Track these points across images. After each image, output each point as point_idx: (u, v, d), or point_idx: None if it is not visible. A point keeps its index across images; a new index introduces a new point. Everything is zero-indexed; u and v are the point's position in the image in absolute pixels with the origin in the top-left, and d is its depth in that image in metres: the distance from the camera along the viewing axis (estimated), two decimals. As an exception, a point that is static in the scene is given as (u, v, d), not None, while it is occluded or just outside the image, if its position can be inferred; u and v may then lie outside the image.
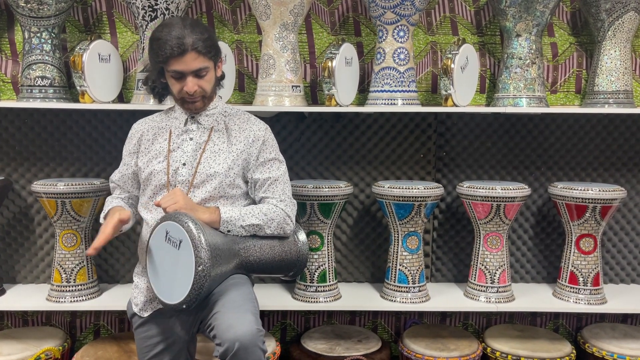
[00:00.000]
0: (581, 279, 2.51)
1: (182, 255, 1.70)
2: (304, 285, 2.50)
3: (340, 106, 2.38)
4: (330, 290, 2.51)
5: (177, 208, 1.77)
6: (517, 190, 2.42)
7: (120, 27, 2.63)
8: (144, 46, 2.38)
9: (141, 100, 2.40)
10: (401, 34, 2.41)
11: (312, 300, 2.48)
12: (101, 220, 1.98)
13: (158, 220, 1.80)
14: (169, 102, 2.06)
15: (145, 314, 1.96)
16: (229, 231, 1.85)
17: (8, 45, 2.60)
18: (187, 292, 1.67)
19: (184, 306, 1.70)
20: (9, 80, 2.61)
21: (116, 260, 2.73)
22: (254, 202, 2.01)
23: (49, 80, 2.40)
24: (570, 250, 2.54)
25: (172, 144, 1.96)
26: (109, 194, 2.11)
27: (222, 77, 2.05)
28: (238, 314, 1.71)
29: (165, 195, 1.84)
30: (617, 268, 2.84)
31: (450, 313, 2.85)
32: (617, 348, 2.51)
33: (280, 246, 1.93)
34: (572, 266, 2.53)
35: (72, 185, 2.35)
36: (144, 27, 2.37)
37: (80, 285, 2.45)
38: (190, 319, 1.92)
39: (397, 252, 2.49)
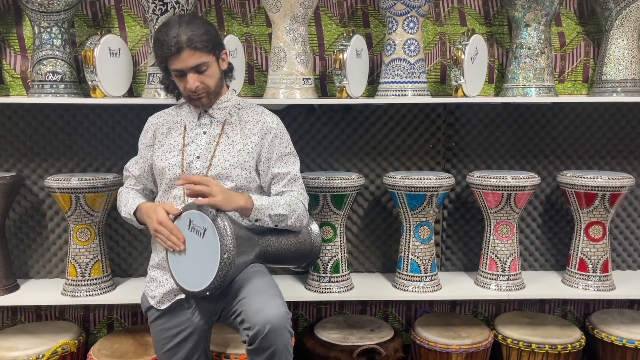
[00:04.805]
0: (590, 266, 2.54)
1: (206, 243, 1.72)
2: (317, 276, 2.52)
3: (351, 98, 2.39)
4: (344, 280, 2.53)
5: (215, 203, 1.73)
6: (527, 179, 2.44)
7: (128, 21, 2.62)
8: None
9: (152, 94, 2.41)
10: (411, 25, 2.41)
11: (326, 290, 2.51)
12: (126, 215, 1.97)
13: (180, 209, 1.82)
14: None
15: (163, 306, 1.96)
16: (257, 220, 1.86)
17: (17, 41, 2.60)
18: (211, 280, 1.69)
19: (207, 293, 1.72)
20: (18, 76, 2.60)
21: (129, 254, 2.74)
22: (266, 195, 2.03)
23: (60, 76, 2.40)
24: (579, 238, 2.57)
25: (186, 138, 1.97)
26: None
27: (231, 69, 2.05)
28: (266, 298, 1.74)
29: (200, 180, 1.76)
30: (624, 255, 2.87)
31: (460, 301, 2.88)
32: (626, 333, 2.55)
33: (295, 237, 1.97)
34: (582, 253, 2.56)
35: (85, 180, 2.36)
36: (155, 20, 2.37)
37: (95, 279, 2.46)
38: (210, 308, 1.94)
39: (409, 242, 2.51)
